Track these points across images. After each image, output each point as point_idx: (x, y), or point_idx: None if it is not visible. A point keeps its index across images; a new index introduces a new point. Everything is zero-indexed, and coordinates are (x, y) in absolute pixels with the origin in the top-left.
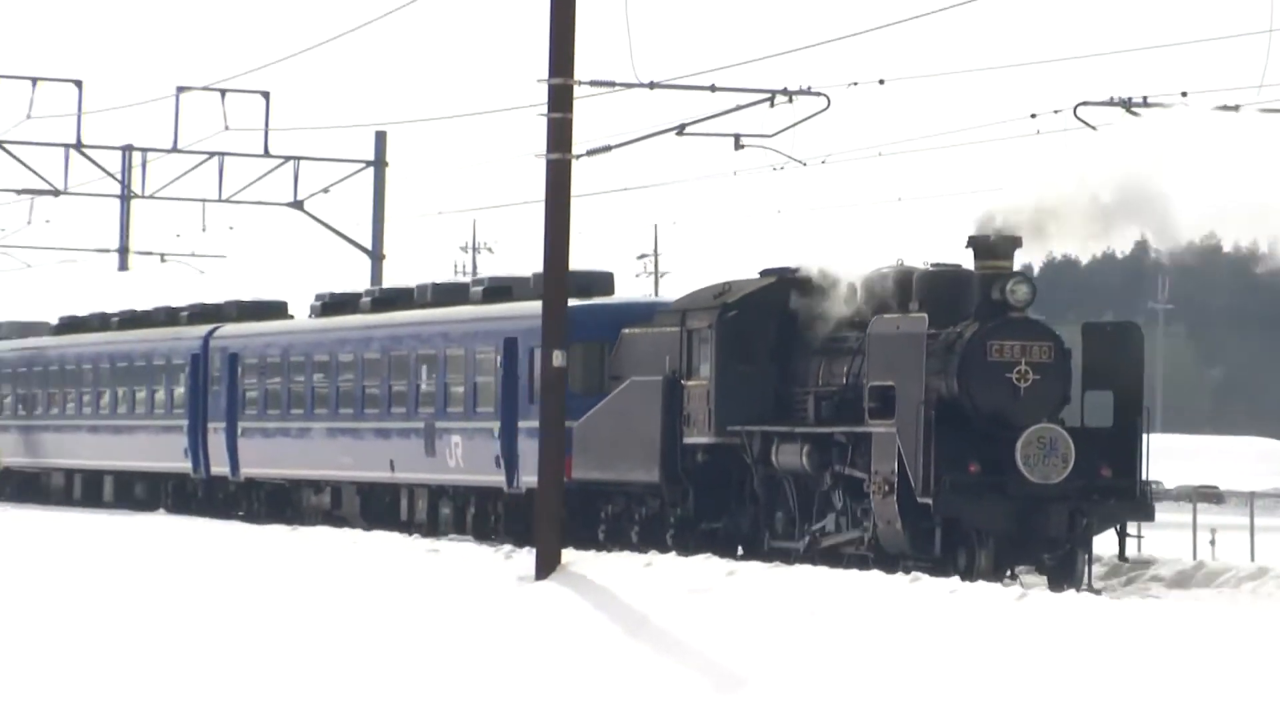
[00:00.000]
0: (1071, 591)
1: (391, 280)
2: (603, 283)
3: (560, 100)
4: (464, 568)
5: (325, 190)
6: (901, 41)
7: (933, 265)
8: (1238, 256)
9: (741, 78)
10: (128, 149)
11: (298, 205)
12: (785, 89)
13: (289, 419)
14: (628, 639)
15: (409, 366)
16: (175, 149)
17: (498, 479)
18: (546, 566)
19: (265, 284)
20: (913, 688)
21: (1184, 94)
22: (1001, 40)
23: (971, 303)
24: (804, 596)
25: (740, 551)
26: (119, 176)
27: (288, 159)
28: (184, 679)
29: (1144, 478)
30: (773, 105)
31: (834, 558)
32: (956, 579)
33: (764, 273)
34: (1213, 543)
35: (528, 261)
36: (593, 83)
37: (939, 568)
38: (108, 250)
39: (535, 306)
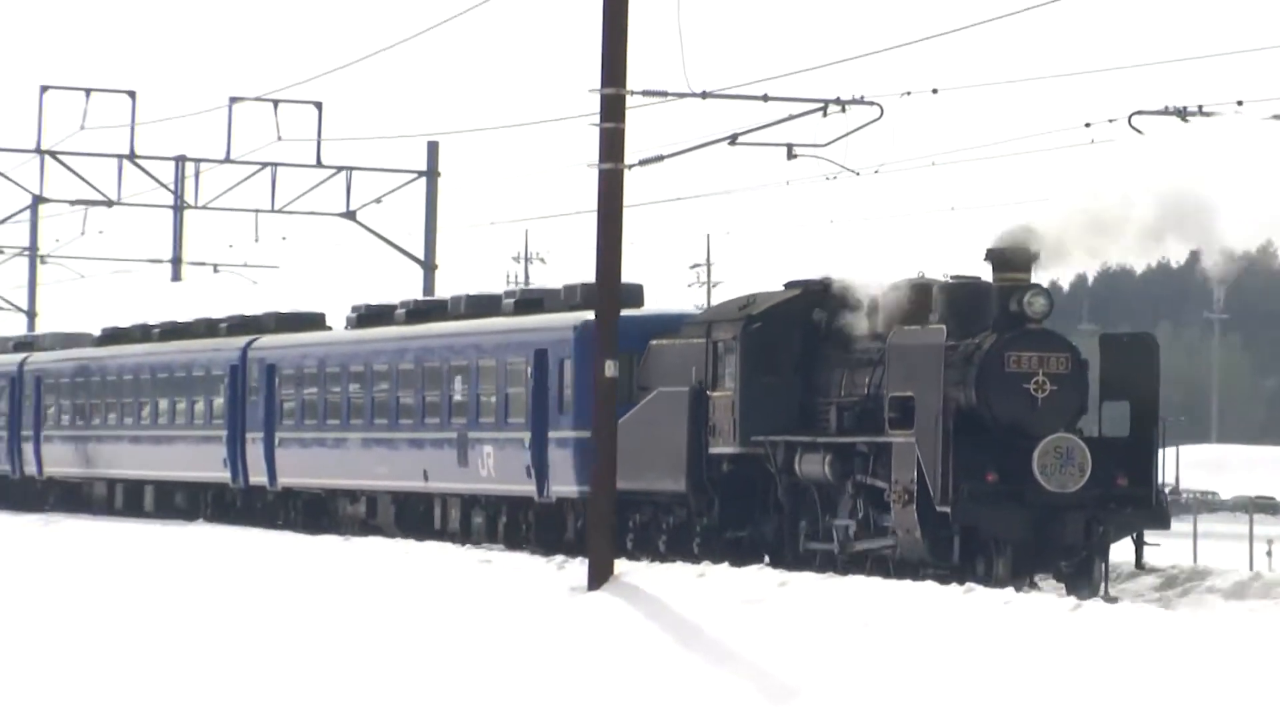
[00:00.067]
0: (1126, 603)
1: (444, 291)
2: (632, 294)
3: (612, 110)
4: (517, 578)
5: (378, 200)
6: (955, 51)
7: (952, 278)
8: None
9: (794, 87)
10: (181, 159)
11: (350, 215)
12: (838, 98)
13: (325, 429)
14: (681, 650)
15: (442, 377)
16: (228, 159)
17: (528, 488)
18: (599, 577)
19: (317, 294)
20: (966, 700)
21: (1239, 103)
22: (1055, 49)
23: (990, 314)
24: (857, 607)
25: (766, 559)
26: (172, 187)
27: (340, 169)
28: (245, 689)
29: (1159, 485)
30: (825, 115)
31: (858, 564)
32: (1010, 590)
33: (788, 285)
34: (1269, 553)
35: (580, 271)
36: (645, 93)
37: (957, 575)
38: (161, 261)
39: (565, 318)
